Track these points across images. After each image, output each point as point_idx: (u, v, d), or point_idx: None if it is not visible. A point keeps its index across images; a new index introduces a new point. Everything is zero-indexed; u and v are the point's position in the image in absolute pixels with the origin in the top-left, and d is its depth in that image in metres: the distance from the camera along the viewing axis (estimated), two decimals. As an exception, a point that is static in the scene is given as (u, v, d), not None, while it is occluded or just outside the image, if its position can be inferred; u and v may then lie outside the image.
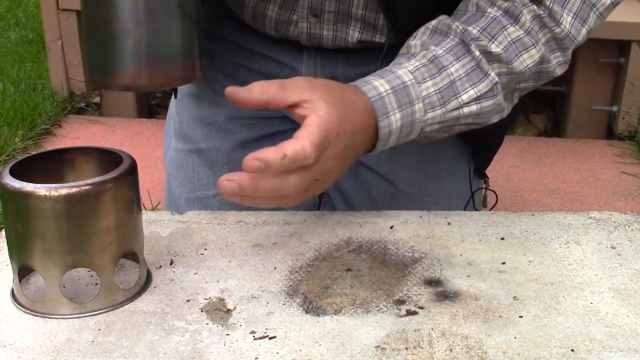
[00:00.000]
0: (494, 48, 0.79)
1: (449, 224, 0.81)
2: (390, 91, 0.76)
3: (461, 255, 0.75)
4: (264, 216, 0.83)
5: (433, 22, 0.83)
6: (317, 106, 0.68)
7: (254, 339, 0.62)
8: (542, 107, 2.88)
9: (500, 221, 0.82)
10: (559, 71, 0.84)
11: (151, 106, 3.10)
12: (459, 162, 1.03)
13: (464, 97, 0.79)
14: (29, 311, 0.66)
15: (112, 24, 0.59)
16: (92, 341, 0.62)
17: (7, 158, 2.51)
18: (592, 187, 2.30)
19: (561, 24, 0.80)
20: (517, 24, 0.80)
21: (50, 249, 0.64)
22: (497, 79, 0.80)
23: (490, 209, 1.07)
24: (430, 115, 0.78)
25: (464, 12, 0.84)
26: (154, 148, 2.61)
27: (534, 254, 0.75)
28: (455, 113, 0.80)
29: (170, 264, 0.74)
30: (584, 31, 0.82)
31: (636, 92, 2.56)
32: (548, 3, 0.80)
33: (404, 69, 0.79)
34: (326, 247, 0.77)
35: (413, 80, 0.78)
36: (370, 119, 0.75)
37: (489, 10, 0.82)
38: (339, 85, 0.75)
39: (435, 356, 0.60)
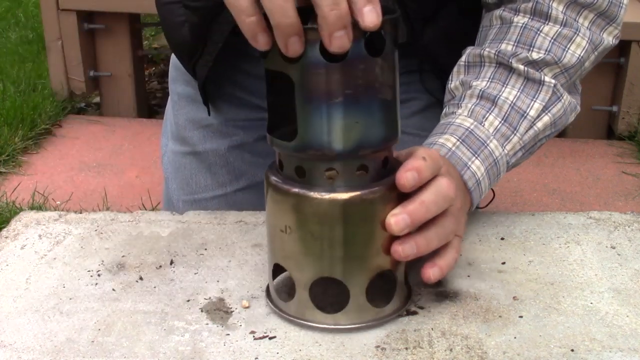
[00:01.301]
0: (535, 55, 0.78)
1: (449, 224, 0.81)
2: (458, 143, 0.75)
3: (461, 255, 0.75)
4: (264, 216, 0.83)
5: (463, 58, 0.82)
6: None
7: (254, 339, 0.62)
8: (542, 107, 2.88)
9: (500, 221, 0.82)
10: (615, 42, 0.81)
11: (151, 106, 3.10)
12: None
13: (532, 113, 0.77)
14: (319, 324, 0.63)
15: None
16: (92, 341, 0.62)
17: (7, 158, 2.51)
18: (592, 187, 2.30)
19: None
20: (549, 21, 0.78)
21: (357, 254, 0.61)
22: (553, 81, 0.78)
23: (485, 206, 1.06)
24: (508, 147, 0.77)
25: (489, 26, 0.82)
26: (154, 148, 2.61)
27: (534, 254, 0.75)
28: (531, 132, 0.78)
29: (170, 264, 0.74)
30: None
31: (636, 92, 2.56)
32: None
33: (460, 117, 0.77)
34: (326, 247, 0.77)
35: (475, 123, 0.76)
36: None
37: (516, 19, 0.79)
38: None
39: (435, 356, 0.60)
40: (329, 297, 0.64)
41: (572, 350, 0.61)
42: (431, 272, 0.65)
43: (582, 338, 0.62)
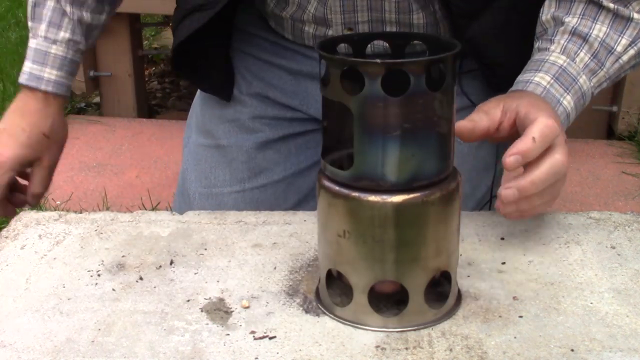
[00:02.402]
0: None
1: (449, 224, 0.81)
2: (552, 80, 0.80)
3: (461, 255, 0.75)
4: (264, 216, 0.83)
5: None
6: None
7: (254, 339, 0.62)
8: (542, 107, 2.88)
9: (500, 221, 0.82)
10: None
11: (151, 106, 3.10)
12: (491, 160, 1.02)
13: (619, 49, 0.83)
14: (374, 328, 0.63)
15: None
16: (92, 341, 0.62)
17: (7, 158, 2.51)
18: (592, 187, 2.30)
19: None
20: None
21: (416, 256, 0.61)
22: None
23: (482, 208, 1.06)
24: (594, 80, 0.83)
25: None
26: (154, 148, 2.61)
27: (534, 254, 0.75)
28: (617, 65, 0.83)
29: (170, 264, 0.74)
30: None
31: (636, 92, 2.55)
32: None
33: (554, 54, 0.82)
34: (326, 247, 0.77)
35: (567, 60, 0.81)
36: None
37: None
38: (514, 95, 0.77)
39: (435, 356, 0.60)
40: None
41: (572, 350, 0.61)
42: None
43: (582, 338, 0.62)
